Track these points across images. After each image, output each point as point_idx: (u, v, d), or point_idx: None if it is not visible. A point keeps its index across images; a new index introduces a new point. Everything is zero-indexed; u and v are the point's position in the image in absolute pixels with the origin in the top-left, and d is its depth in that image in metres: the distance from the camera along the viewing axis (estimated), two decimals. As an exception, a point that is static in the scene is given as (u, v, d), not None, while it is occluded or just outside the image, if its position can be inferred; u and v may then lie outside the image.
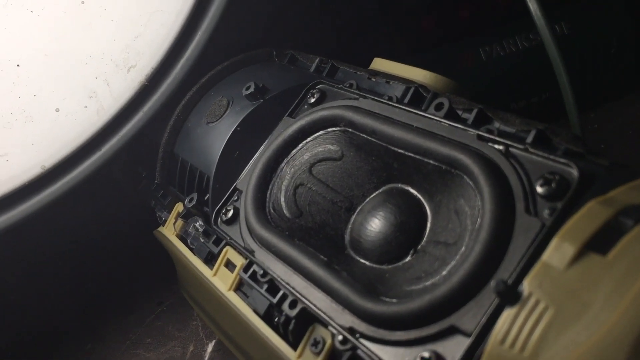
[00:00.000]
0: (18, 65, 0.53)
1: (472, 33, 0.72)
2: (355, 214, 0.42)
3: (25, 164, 0.52)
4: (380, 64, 0.50)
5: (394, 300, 0.34)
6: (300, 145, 0.46)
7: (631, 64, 0.74)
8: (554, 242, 0.28)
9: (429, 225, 0.38)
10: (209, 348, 0.59)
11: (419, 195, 0.39)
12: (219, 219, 0.47)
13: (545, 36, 0.43)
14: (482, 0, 0.73)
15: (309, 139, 0.45)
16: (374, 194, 0.42)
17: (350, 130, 0.43)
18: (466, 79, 0.71)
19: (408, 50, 0.73)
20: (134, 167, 0.60)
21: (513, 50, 0.72)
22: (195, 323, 0.63)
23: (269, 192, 0.45)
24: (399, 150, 0.40)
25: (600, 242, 0.27)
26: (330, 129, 0.45)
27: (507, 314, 0.27)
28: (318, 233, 0.42)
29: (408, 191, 0.40)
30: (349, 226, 0.42)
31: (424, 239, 0.37)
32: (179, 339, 0.61)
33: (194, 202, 0.49)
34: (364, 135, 0.42)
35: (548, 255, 0.28)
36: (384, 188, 0.41)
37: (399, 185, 0.41)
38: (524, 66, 0.71)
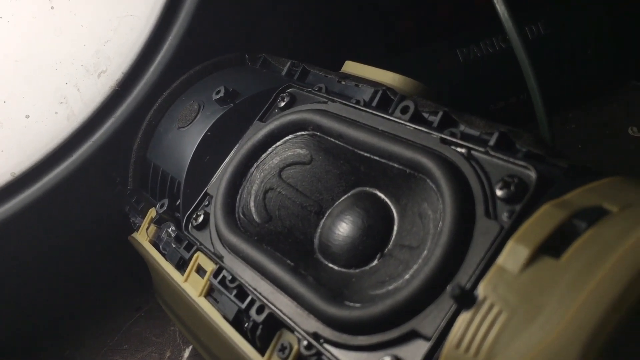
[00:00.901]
0: (-13, 72, 0.52)
1: (449, 34, 0.72)
2: (325, 217, 0.42)
3: (-5, 171, 0.51)
4: (351, 67, 0.50)
5: (358, 305, 0.34)
6: (269, 149, 0.45)
7: (608, 64, 0.75)
8: (508, 246, 0.28)
9: (395, 228, 0.38)
10: (186, 354, 0.59)
11: (386, 199, 0.39)
12: (190, 225, 0.47)
13: (512, 37, 0.43)
14: (459, 2, 0.73)
15: (278, 143, 0.45)
16: (342, 198, 0.42)
17: (318, 134, 0.43)
18: (443, 80, 0.71)
19: (385, 52, 0.73)
20: (108, 173, 0.59)
21: (490, 52, 0.72)
22: (172, 329, 0.62)
23: (238, 197, 0.45)
24: (365, 154, 0.40)
25: (553, 245, 0.27)
26: (299, 133, 0.44)
27: (463, 318, 0.27)
28: (287, 238, 0.42)
29: (375, 194, 0.40)
30: (318, 230, 0.41)
31: (391, 243, 0.37)
32: (156, 345, 0.61)
33: (165, 208, 0.49)
34: (331, 139, 0.42)
35: (503, 258, 0.28)
36: (352, 192, 0.41)
37: (367, 188, 0.41)
38: (501, 67, 0.71)
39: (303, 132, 0.44)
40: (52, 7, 0.53)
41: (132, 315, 0.65)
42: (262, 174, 0.45)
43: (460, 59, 0.72)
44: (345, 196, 0.41)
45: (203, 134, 0.49)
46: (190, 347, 0.59)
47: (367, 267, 0.37)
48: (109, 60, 0.53)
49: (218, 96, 0.49)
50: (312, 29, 0.70)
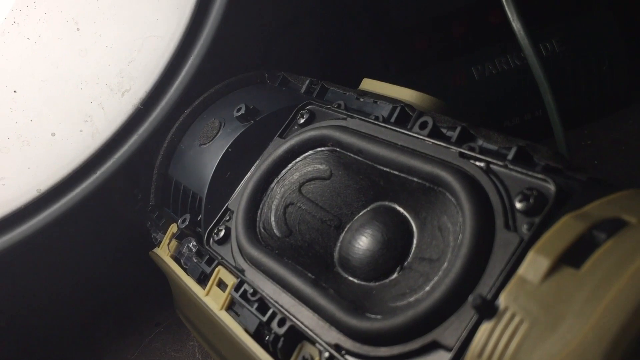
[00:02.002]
0: (15, 92, 0.54)
1: (464, 52, 0.73)
2: (344, 232, 0.42)
3: (21, 188, 0.53)
4: (369, 84, 0.51)
5: (379, 317, 0.34)
6: (290, 165, 0.46)
7: (623, 80, 0.75)
8: (529, 257, 0.28)
9: (415, 242, 0.38)
10: (205, 368, 0.59)
11: (405, 213, 0.40)
12: (211, 239, 0.47)
13: (528, 54, 0.44)
14: (474, 20, 0.74)
15: (298, 159, 0.46)
16: (362, 212, 0.42)
17: (338, 149, 0.44)
18: (459, 97, 0.72)
19: (401, 71, 0.74)
20: (130, 189, 0.60)
21: (505, 69, 0.73)
22: (192, 344, 0.63)
23: (259, 212, 0.46)
24: (385, 169, 0.40)
25: (574, 256, 0.27)
26: (319, 149, 0.45)
27: (484, 328, 0.28)
28: (307, 251, 0.42)
29: (395, 209, 0.40)
30: (338, 244, 0.42)
31: (410, 256, 0.38)
32: (176, 360, 0.61)
33: (186, 223, 0.50)
34: (351, 155, 0.43)
35: (523, 269, 0.28)
36: (371, 206, 0.42)
37: (386, 202, 0.41)
38: (516, 84, 0.72)
39: (323, 148, 0.45)
40: (77, 29, 0.54)
41: (151, 330, 0.66)
42: (283, 189, 0.46)
43: (475, 77, 0.72)
44: (365, 210, 0.42)
45: (224, 151, 0.50)
46: (210, 361, 0.60)
47: (387, 280, 0.38)
48: (132, 79, 0.54)
49: (239, 113, 0.50)
50: (329, 48, 0.71)
